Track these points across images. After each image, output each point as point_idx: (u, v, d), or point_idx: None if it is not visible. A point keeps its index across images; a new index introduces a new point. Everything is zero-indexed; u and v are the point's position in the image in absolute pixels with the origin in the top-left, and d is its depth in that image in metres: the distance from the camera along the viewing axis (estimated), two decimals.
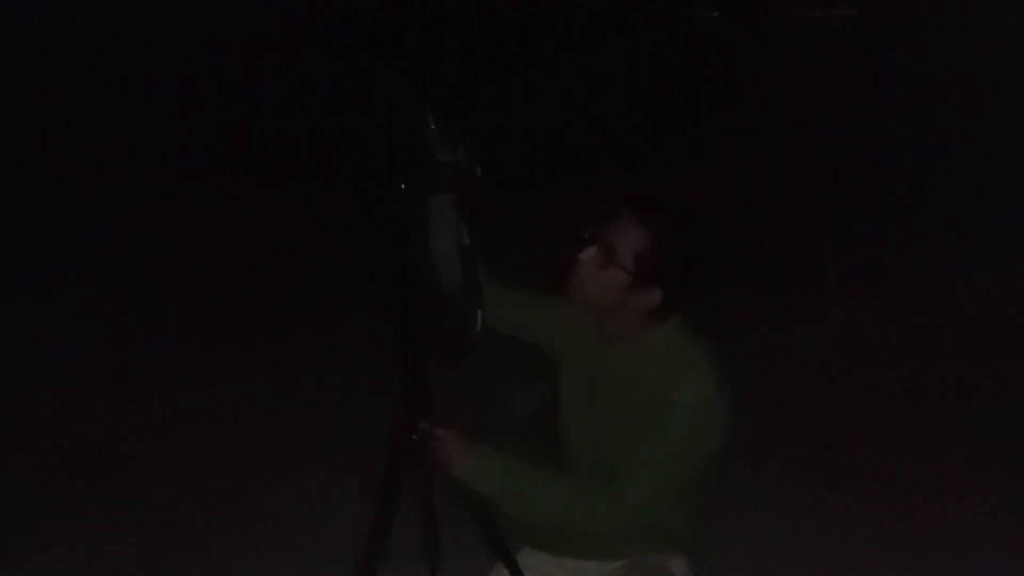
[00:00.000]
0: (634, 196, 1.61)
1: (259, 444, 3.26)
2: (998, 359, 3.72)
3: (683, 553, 1.77)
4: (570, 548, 1.78)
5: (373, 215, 1.50)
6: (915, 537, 2.69)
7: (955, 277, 4.46)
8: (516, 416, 2.93)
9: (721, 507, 1.86)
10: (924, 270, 4.59)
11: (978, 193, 5.68)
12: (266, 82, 8.32)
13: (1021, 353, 3.74)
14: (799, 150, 6.83)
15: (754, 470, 2.85)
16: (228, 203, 5.91)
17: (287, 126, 7.41)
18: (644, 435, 1.56)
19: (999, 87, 8.45)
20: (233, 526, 2.81)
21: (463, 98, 2.22)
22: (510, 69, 8.58)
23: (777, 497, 2.86)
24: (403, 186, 1.47)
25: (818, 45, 10.53)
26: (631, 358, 1.63)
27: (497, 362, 1.78)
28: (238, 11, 9.78)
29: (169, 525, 2.83)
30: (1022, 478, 2.93)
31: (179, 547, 2.72)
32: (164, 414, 3.46)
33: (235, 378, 3.72)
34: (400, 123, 1.48)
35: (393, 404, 1.57)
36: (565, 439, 1.77)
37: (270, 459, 3.17)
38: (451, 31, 9.43)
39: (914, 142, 6.90)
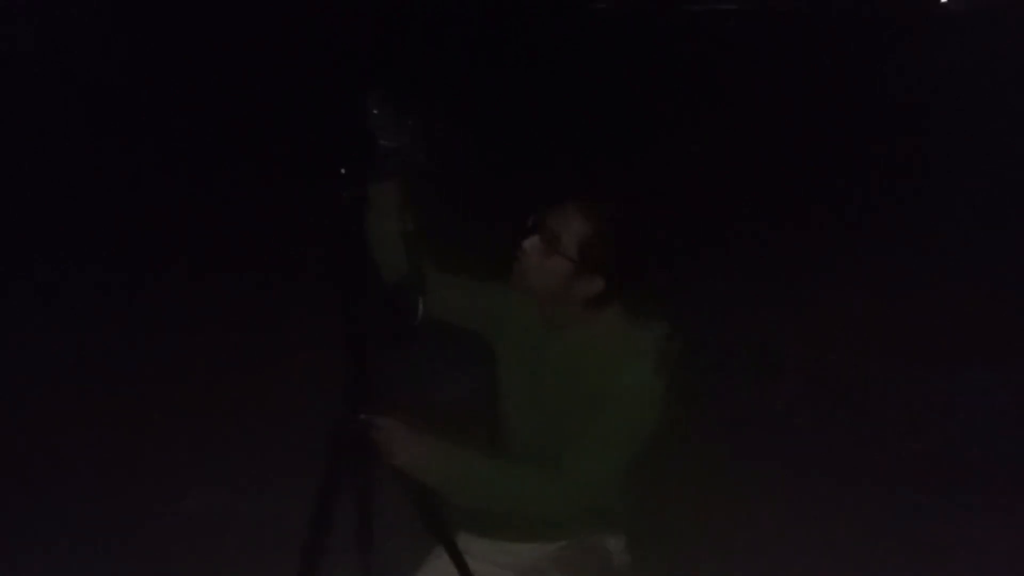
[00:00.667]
0: (578, 186, 1.62)
1: (196, 438, 3.22)
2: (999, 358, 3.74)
3: (621, 533, 1.79)
4: (509, 532, 1.79)
5: (315, 201, 1.49)
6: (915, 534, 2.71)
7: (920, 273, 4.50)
8: (455, 403, 2.95)
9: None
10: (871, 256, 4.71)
11: (898, 189, 5.77)
12: (210, 66, 8.12)
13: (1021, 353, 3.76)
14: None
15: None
16: (170, 190, 5.79)
17: (224, 109, 7.25)
18: (586, 420, 1.58)
19: (887, 84, 8.56)
20: (173, 525, 2.78)
21: (410, 83, 2.18)
22: (458, 55, 8.51)
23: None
24: (343, 171, 1.44)
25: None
26: (573, 345, 1.65)
27: (437, 350, 1.77)
28: None
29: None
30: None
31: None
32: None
33: (171, 373, 3.67)
34: (343, 108, 1.46)
35: (333, 394, 1.56)
36: (506, 425, 1.78)
37: (207, 453, 3.13)
38: (400, 15, 9.31)
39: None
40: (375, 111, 1.43)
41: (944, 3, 13.89)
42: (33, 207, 5.33)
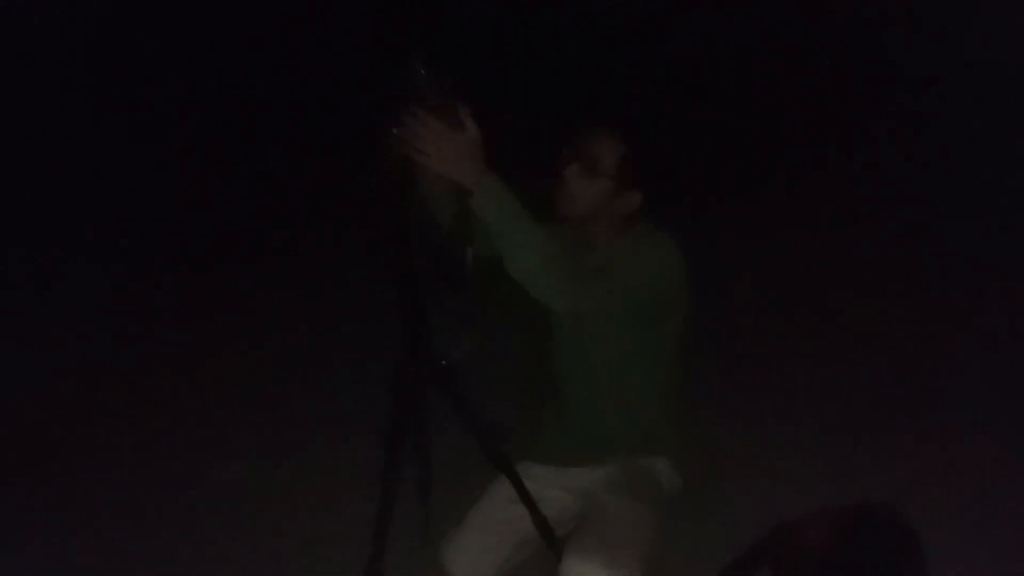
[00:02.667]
0: (610, 114, 1.78)
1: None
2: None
3: (667, 456, 1.90)
4: (562, 457, 1.91)
5: (367, 159, 1.55)
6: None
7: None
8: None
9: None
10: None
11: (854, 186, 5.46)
12: (256, 36, 8.17)
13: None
14: None
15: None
16: (223, 151, 5.95)
17: (279, 75, 7.35)
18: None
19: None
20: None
21: (450, 43, 2.23)
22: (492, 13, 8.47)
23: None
24: (394, 130, 1.52)
25: None
26: (609, 256, 1.77)
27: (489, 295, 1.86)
28: None
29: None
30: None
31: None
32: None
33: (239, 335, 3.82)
34: (390, 69, 1.54)
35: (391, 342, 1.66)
36: (561, 367, 1.91)
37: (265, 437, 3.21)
38: None
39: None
40: (421, 71, 1.51)
41: None
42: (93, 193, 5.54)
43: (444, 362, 1.66)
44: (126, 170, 5.76)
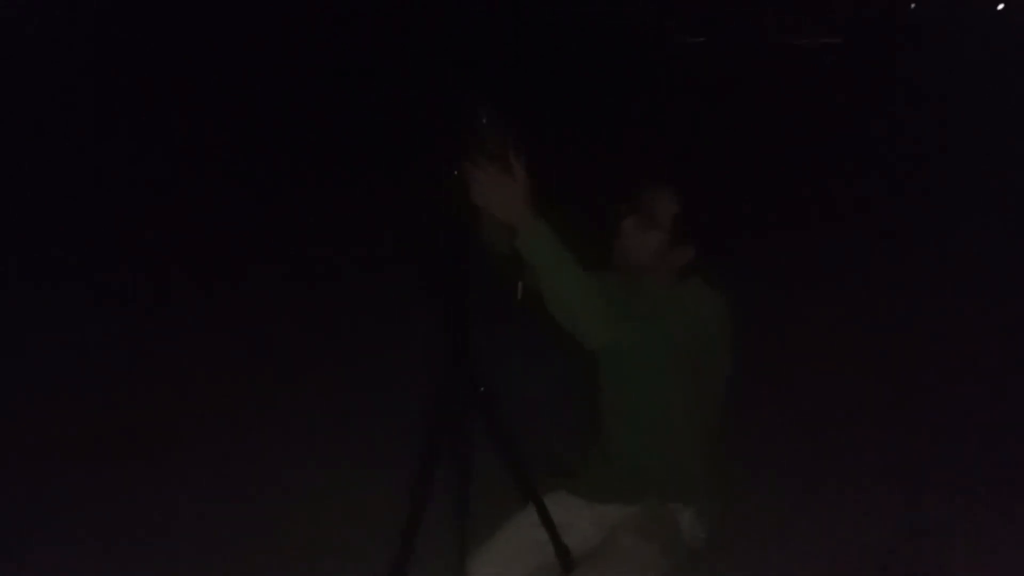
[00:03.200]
0: (669, 171, 1.91)
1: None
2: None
3: (694, 507, 1.93)
4: (591, 491, 1.98)
5: (431, 199, 1.70)
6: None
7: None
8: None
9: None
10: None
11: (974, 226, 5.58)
12: (327, 77, 8.55)
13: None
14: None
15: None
16: (290, 189, 6.27)
17: (354, 119, 7.68)
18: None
19: (990, 105, 8.35)
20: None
21: (511, 93, 2.36)
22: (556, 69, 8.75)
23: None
24: (455, 173, 1.65)
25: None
26: (653, 304, 1.86)
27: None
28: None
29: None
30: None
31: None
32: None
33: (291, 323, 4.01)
34: (455, 115, 1.67)
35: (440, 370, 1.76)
36: (602, 404, 1.99)
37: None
38: (504, 30, 9.58)
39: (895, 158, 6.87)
40: (484, 119, 1.64)
41: None
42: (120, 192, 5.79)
43: (483, 389, 1.75)
44: (199, 201, 6.03)
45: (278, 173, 6.55)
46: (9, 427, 3.28)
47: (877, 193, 6.09)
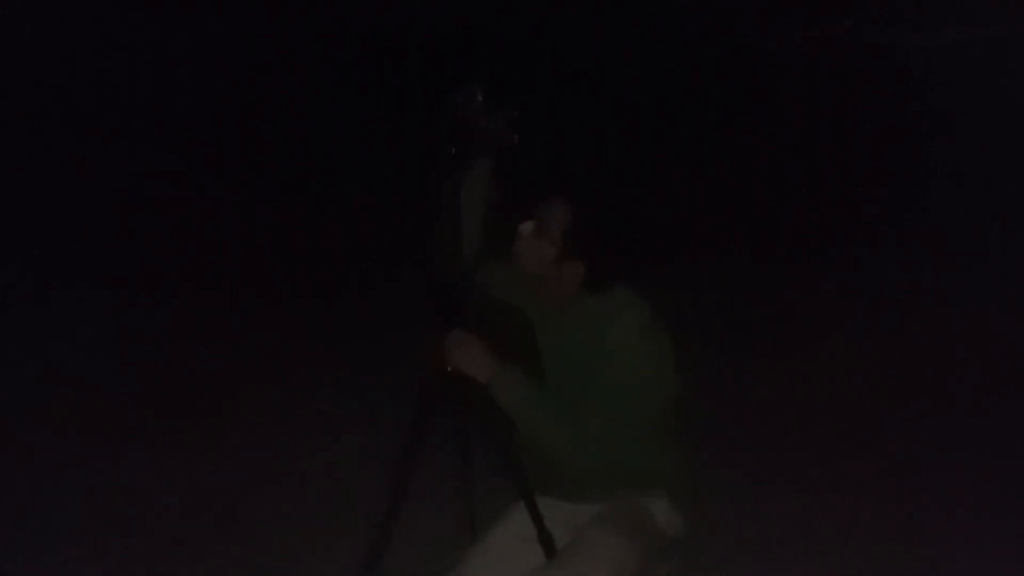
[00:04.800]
0: (567, 180, 1.81)
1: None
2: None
3: (664, 495, 1.93)
4: (559, 491, 1.95)
5: (427, 174, 1.72)
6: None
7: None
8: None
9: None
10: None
11: None
12: (284, 78, 8.53)
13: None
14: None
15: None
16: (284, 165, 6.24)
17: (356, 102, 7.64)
18: (589, 380, 1.75)
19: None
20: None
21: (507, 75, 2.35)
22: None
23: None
24: (453, 150, 1.69)
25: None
26: (568, 316, 1.83)
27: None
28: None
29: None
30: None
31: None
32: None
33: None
34: (452, 96, 1.69)
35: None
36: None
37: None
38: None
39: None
40: (479, 99, 1.66)
41: None
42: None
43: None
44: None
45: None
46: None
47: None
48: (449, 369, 1.76)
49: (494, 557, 1.90)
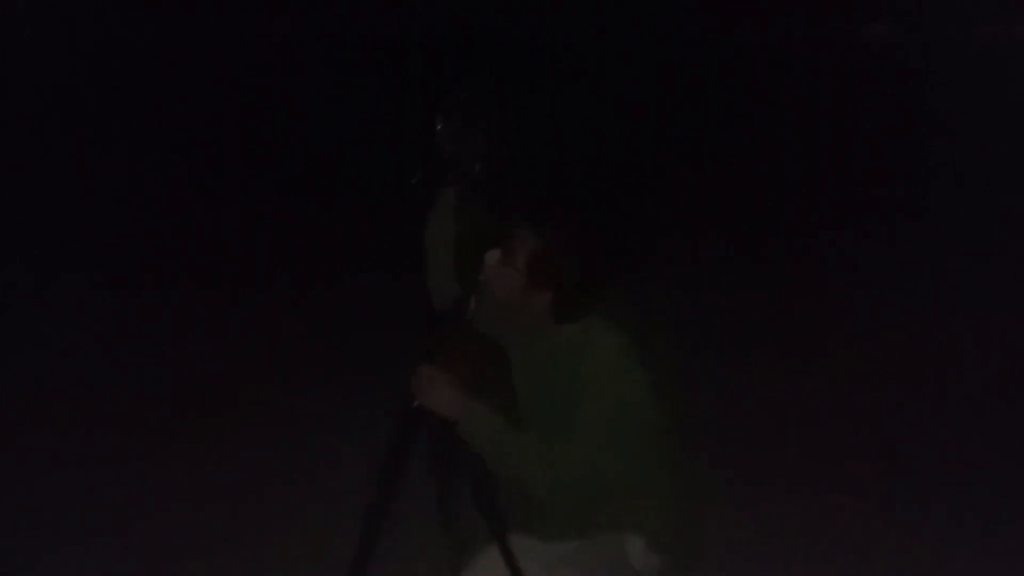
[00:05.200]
0: (533, 205, 1.72)
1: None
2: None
3: (642, 534, 1.83)
4: (535, 529, 1.87)
5: (390, 203, 1.70)
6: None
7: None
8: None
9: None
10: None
11: None
12: (284, 80, 8.48)
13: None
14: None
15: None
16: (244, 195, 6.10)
17: (309, 125, 7.50)
18: (566, 416, 1.68)
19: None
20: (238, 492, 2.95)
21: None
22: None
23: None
24: (415, 180, 1.66)
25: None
26: (542, 347, 1.76)
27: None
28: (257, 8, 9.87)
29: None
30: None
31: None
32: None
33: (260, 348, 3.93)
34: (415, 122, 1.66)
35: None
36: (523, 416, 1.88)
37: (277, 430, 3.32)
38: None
39: None
40: (440, 126, 1.62)
41: None
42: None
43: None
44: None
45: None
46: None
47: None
48: (416, 405, 1.71)
49: None
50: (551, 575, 1.81)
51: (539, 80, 7.86)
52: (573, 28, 9.86)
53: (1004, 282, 4.40)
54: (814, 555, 2.61)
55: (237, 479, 3.01)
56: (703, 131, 7.10)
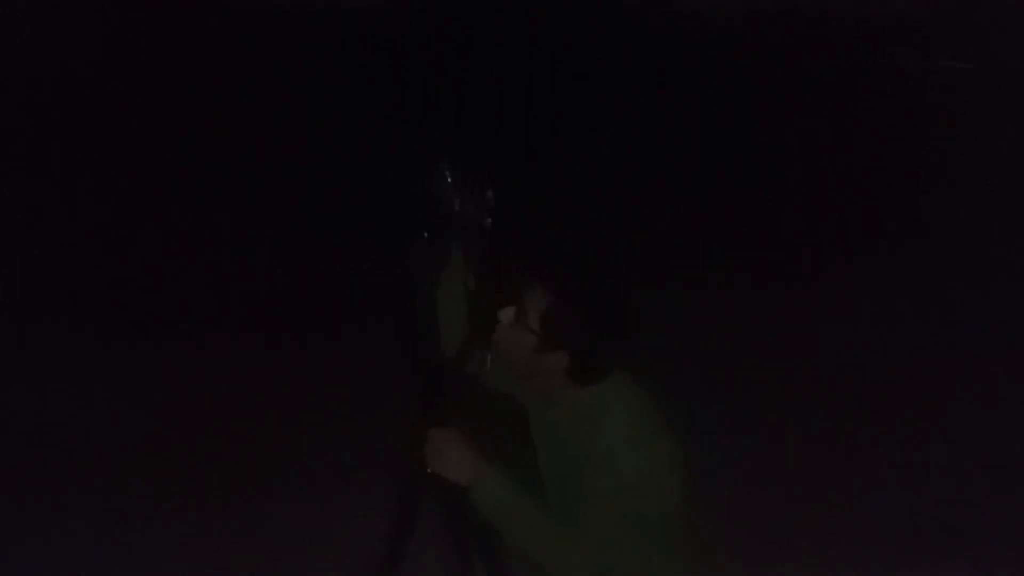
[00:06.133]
0: (545, 263, 1.66)
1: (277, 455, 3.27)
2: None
3: None
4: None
5: (398, 259, 1.64)
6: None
7: None
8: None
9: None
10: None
11: None
12: (290, 136, 8.16)
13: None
14: None
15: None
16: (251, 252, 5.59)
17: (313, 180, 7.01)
18: (581, 486, 1.62)
19: None
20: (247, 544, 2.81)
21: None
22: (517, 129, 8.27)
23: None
24: (425, 234, 1.59)
25: None
26: (558, 410, 1.70)
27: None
28: (264, 64, 9.76)
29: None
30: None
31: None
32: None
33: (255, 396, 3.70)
34: (420, 177, 1.58)
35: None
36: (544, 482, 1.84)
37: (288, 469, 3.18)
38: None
39: None
40: (448, 180, 1.55)
41: None
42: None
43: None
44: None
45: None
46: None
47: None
48: (428, 471, 1.64)
49: None
50: None
51: (547, 135, 7.74)
52: (583, 80, 9.70)
53: None
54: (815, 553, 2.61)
55: (239, 478, 3.00)
56: (719, 183, 6.81)
